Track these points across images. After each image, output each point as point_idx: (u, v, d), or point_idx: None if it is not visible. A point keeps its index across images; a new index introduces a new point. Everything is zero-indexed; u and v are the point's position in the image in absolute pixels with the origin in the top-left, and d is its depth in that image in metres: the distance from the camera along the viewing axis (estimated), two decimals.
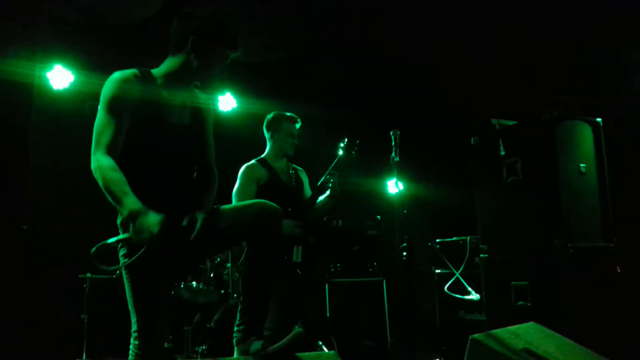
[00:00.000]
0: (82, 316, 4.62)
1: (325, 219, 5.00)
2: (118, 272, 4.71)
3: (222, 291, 4.66)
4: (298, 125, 3.78)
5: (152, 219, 1.91)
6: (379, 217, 6.43)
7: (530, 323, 2.99)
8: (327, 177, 3.59)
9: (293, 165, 3.86)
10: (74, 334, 4.66)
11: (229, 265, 4.68)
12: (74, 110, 5.49)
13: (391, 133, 3.62)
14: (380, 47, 5.08)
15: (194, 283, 4.57)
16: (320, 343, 4.19)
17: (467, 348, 2.50)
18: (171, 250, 1.98)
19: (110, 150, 2.04)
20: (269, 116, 3.82)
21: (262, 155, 3.77)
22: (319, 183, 3.64)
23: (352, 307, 5.71)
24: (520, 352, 2.44)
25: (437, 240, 5.08)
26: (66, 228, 5.17)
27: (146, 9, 4.49)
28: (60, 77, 5.15)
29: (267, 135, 3.80)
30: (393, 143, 3.60)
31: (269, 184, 3.60)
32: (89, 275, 4.68)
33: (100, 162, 2.01)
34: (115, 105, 2.08)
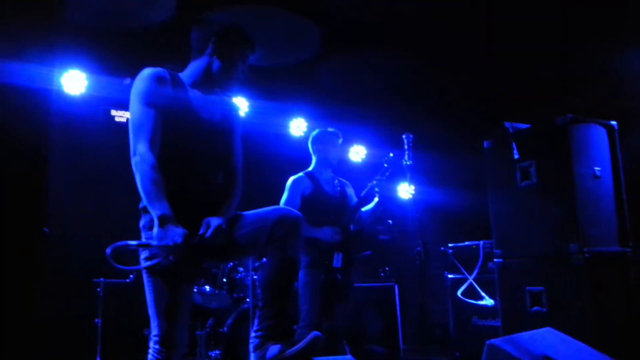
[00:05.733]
0: (96, 320, 4.63)
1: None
2: (132, 276, 4.75)
3: (235, 295, 4.67)
4: (340, 139, 4.04)
5: (178, 230, 1.96)
6: (390, 221, 6.41)
7: (546, 328, 2.97)
8: (374, 183, 3.78)
9: (339, 178, 4.13)
10: (88, 338, 4.67)
11: (241, 269, 4.69)
12: (88, 114, 5.55)
13: (403, 137, 3.63)
14: (395, 48, 5.06)
15: (206, 287, 4.59)
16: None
17: (484, 353, 2.49)
18: (189, 258, 2.00)
19: (152, 144, 2.08)
20: (314, 132, 4.11)
21: (309, 169, 4.03)
22: (363, 193, 3.84)
23: (364, 313, 5.69)
24: (538, 357, 2.43)
25: (450, 245, 5.06)
26: (80, 231, 5.20)
27: (159, 14, 4.52)
28: (74, 81, 5.18)
29: (312, 149, 4.07)
30: (406, 147, 3.61)
31: (313, 194, 3.86)
32: (102, 279, 4.69)
33: (143, 157, 2.05)
34: (151, 99, 2.13)
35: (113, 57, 5.28)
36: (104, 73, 5.38)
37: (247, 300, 4.60)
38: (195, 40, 2.32)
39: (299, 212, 2.16)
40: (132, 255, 2.17)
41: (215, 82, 2.33)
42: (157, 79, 2.16)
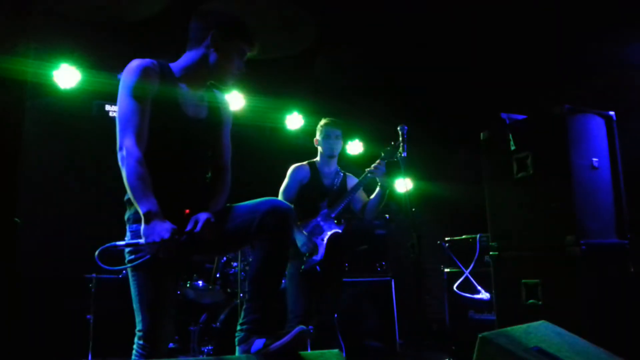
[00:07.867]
0: (88, 316, 4.59)
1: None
2: (124, 272, 4.71)
3: (229, 290, 4.63)
4: (337, 128, 3.97)
5: (165, 226, 1.92)
6: (387, 216, 6.36)
7: (541, 321, 2.92)
8: (372, 168, 3.71)
9: (344, 172, 4.08)
10: (80, 334, 4.64)
11: (235, 264, 4.64)
12: (81, 109, 5.50)
13: (399, 128, 3.57)
14: (389, 39, 5.01)
15: (199, 283, 4.55)
16: None
17: (476, 346, 2.44)
18: (176, 254, 1.95)
19: (139, 138, 2.03)
20: (319, 124, 4.07)
21: (314, 159, 4.03)
22: (360, 178, 3.82)
23: (360, 307, 5.65)
24: (531, 350, 2.37)
25: (446, 238, 5.01)
26: (71, 227, 5.17)
27: (153, 6, 4.46)
28: (66, 76, 5.13)
29: (316, 141, 4.05)
30: (401, 139, 3.54)
31: (310, 184, 3.88)
32: (94, 275, 4.65)
33: (129, 151, 2.00)
34: (139, 92, 2.06)
35: (107, 51, 5.23)
36: (98, 68, 5.33)
37: (242, 295, 4.56)
38: (194, 30, 2.23)
39: (289, 204, 2.12)
40: (122, 252, 2.13)
41: (209, 75, 2.24)
42: (145, 71, 2.08)
